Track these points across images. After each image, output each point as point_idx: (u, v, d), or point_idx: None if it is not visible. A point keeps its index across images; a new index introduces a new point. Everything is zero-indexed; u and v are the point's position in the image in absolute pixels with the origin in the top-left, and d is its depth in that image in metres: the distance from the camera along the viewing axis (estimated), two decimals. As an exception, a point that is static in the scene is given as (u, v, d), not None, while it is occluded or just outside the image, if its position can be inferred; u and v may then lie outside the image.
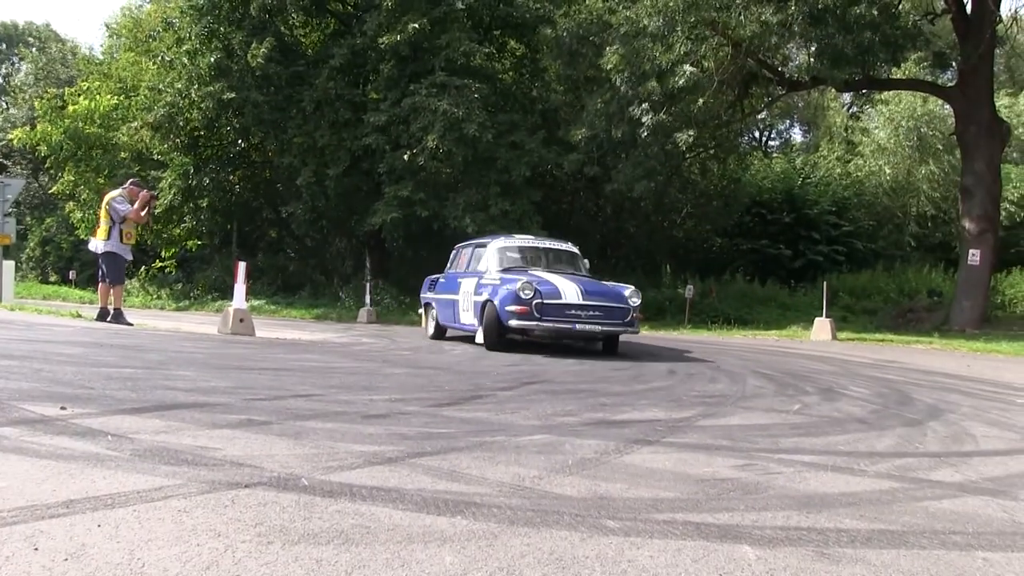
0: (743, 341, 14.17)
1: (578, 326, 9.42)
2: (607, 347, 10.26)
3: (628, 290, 9.82)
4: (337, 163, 17.33)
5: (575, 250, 10.75)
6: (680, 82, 14.96)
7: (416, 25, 16.52)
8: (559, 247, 10.83)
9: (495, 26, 19.93)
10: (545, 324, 9.30)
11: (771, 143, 33.30)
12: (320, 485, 3.53)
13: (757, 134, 31.09)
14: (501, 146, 17.09)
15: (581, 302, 9.43)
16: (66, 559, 2.65)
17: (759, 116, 24.82)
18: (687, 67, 15.11)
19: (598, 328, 9.51)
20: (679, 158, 19.20)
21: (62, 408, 4.86)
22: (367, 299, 15.50)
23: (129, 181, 10.68)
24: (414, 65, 17.43)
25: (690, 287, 17.77)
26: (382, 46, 17.08)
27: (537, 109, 19.40)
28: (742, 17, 14.62)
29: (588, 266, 11.13)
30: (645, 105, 15.56)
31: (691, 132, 15.90)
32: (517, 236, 11.15)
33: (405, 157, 16.39)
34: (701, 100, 15.52)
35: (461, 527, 3.11)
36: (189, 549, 2.80)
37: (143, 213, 10.18)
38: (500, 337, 9.54)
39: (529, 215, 17.05)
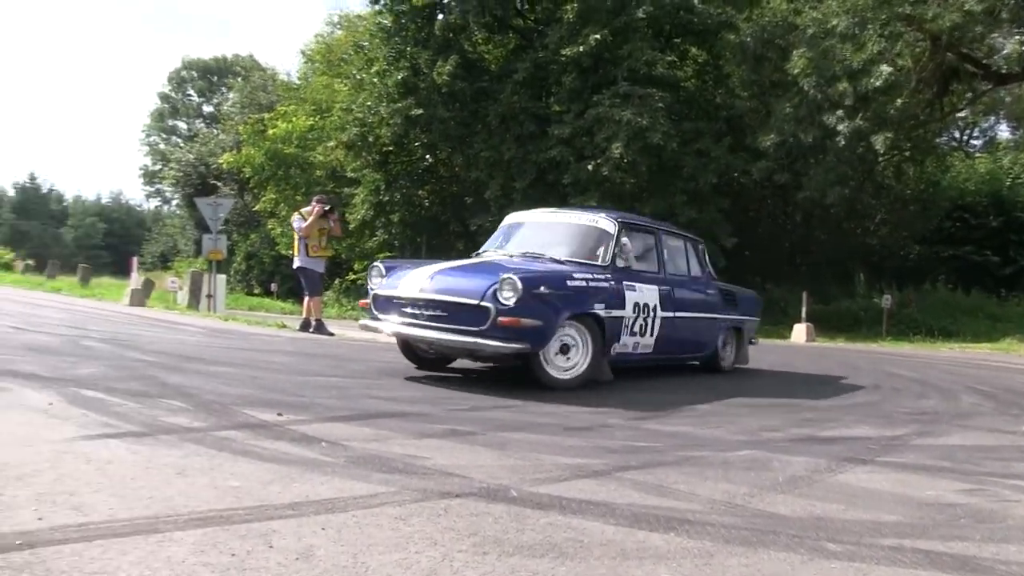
0: (950, 354, 13.24)
1: (415, 331, 6.74)
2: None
3: (499, 278, 6.32)
4: (523, 176, 17.57)
5: (604, 226, 7.54)
6: (876, 83, 14.24)
7: (597, 36, 16.53)
8: (573, 222, 7.96)
9: (676, 34, 19.63)
10: (386, 325, 6.86)
11: (973, 142, 31.05)
12: (529, 497, 3.52)
13: (957, 133, 29.09)
14: (686, 154, 16.82)
15: (416, 295, 6.70)
16: (297, 558, 2.75)
17: (960, 114, 23.23)
18: (883, 67, 14.35)
19: (435, 336, 6.61)
20: (873, 162, 18.27)
21: (279, 414, 5.11)
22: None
23: (315, 198, 11.15)
24: (596, 76, 17.41)
25: (887, 297, 16.83)
26: (564, 59, 17.18)
27: (721, 116, 18.96)
28: (940, 8, 13.75)
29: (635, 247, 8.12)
30: (840, 112, 14.89)
31: (887, 135, 15.10)
32: (539, 210, 8.67)
33: (590, 168, 16.40)
34: (899, 101, 14.72)
35: (675, 544, 3.01)
36: (408, 556, 2.86)
37: (331, 224, 10.60)
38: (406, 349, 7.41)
39: (718, 223, 16.70)
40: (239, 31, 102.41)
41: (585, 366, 6.74)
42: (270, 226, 26.78)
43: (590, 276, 6.88)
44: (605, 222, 7.52)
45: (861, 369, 9.52)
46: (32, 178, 66.42)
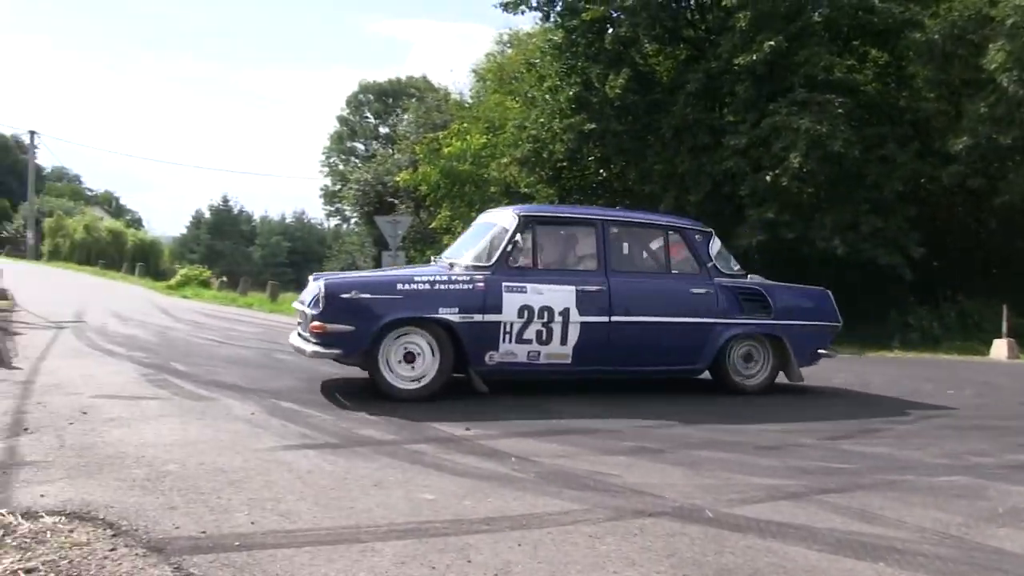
0: None
1: (293, 340, 7.09)
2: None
3: (318, 282, 6.62)
4: (698, 188, 17.37)
5: (503, 223, 7.17)
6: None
7: (772, 43, 16.14)
8: (488, 220, 7.70)
9: (854, 36, 18.86)
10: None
11: None
12: (725, 518, 3.52)
13: None
14: (869, 161, 16.17)
15: (304, 304, 6.99)
16: (495, 574, 2.88)
17: None
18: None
19: (295, 343, 6.97)
20: (1083, 162, 16.94)
21: (467, 429, 5.32)
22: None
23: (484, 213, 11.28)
24: (771, 84, 17.01)
25: (1102, 309, 15.53)
26: (737, 68, 16.88)
27: (906, 119, 18.05)
28: None
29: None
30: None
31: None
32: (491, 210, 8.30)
33: (767, 179, 16.04)
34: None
35: (887, 575, 2.93)
36: (607, 576, 2.92)
37: None
38: None
39: (904, 232, 15.95)
40: (416, 54, 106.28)
41: (433, 375, 6.56)
42: (445, 242, 27.55)
43: (439, 279, 6.64)
44: (508, 218, 7.12)
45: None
46: (225, 200, 71.03)
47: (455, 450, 4.78)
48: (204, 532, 3.11)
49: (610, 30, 19.21)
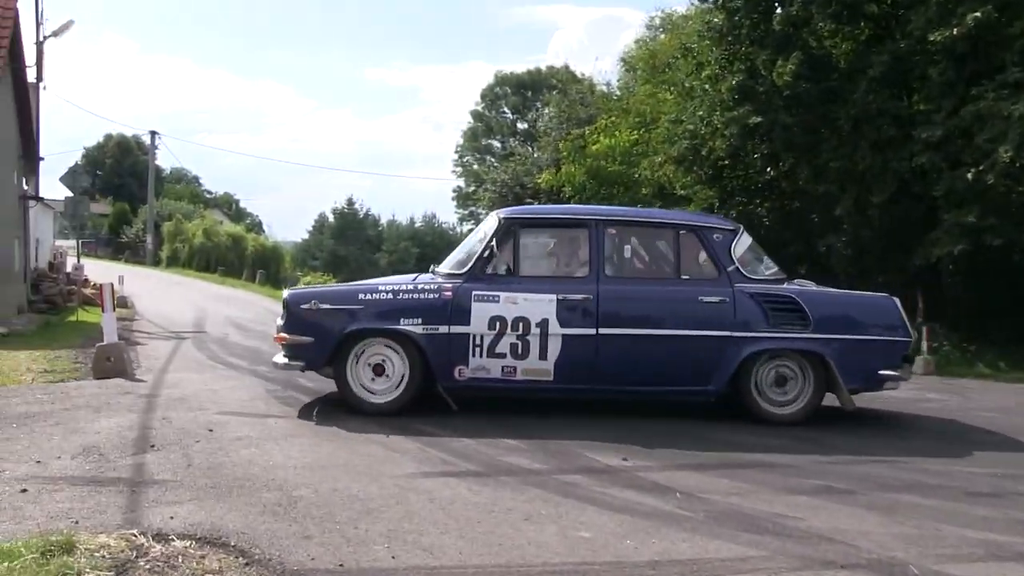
0: None
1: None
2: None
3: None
4: (882, 188, 16.66)
5: (486, 227, 7.35)
6: None
7: (977, 14, 15.22)
8: (481, 225, 7.89)
9: (1086, 0, 17.73)
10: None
11: None
12: None
13: None
14: (1102, 152, 15.05)
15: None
16: None
17: None
18: None
19: (276, 357, 7.50)
20: None
21: (624, 459, 5.31)
22: (923, 346, 14.62)
23: None
24: (975, 64, 16.09)
25: None
26: (931, 46, 16.12)
27: None
28: None
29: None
30: None
31: None
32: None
33: (969, 176, 15.14)
34: None
35: None
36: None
37: None
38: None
39: None
40: (557, 43, 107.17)
41: (401, 390, 6.82)
42: (592, 251, 27.57)
43: (403, 288, 6.89)
44: (490, 222, 7.21)
45: None
46: (350, 203, 73.41)
47: (611, 483, 4.82)
48: (342, 565, 3.23)
49: (778, 9, 18.79)
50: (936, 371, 13.83)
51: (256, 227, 68.49)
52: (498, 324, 6.78)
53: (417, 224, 75.59)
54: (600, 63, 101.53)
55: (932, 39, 15.94)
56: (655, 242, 7.53)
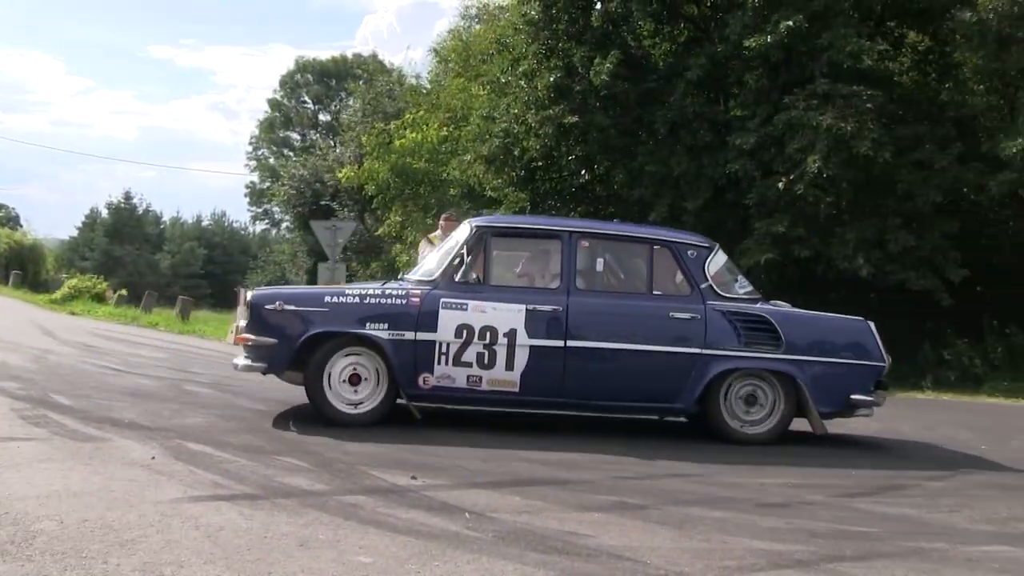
0: None
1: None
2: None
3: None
4: (696, 195, 17.51)
5: (459, 234, 7.72)
6: None
7: (790, 23, 16.33)
8: (455, 233, 8.19)
9: (889, 16, 19.23)
10: None
11: None
12: None
13: None
14: (901, 166, 16.39)
15: None
16: None
17: None
18: None
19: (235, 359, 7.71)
20: None
21: (413, 478, 5.38)
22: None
23: (443, 215, 11.32)
24: (788, 73, 17.26)
25: None
26: (747, 52, 17.07)
27: (948, 117, 18.32)
28: None
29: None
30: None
31: None
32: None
33: (780, 185, 16.24)
34: None
35: None
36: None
37: None
38: None
39: (942, 251, 16.18)
40: (366, 29, 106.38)
41: (378, 401, 7.17)
42: (394, 253, 27.61)
43: (371, 292, 7.31)
44: (463, 230, 7.63)
45: None
46: (127, 197, 70.37)
47: (398, 503, 4.82)
48: (83, 607, 3.12)
49: (597, 5, 19.46)
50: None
51: (11, 221, 64.69)
52: (464, 332, 7.03)
53: (205, 222, 73.29)
54: (411, 53, 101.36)
55: (748, 45, 16.87)
56: (629, 256, 7.83)
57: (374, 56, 54.34)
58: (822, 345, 7.50)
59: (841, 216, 16.98)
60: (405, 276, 7.75)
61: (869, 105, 15.93)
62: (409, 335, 7.02)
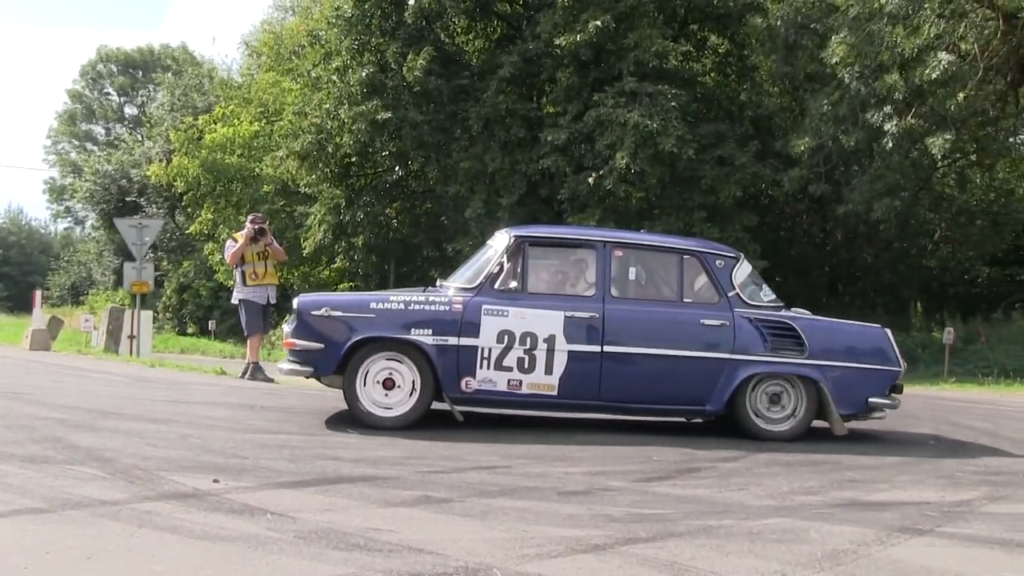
0: (1028, 400, 13.36)
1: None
2: None
3: None
4: (511, 190, 17.84)
5: (495, 243, 7.89)
6: (933, 74, 14.50)
7: (598, 23, 16.81)
8: (488, 242, 8.33)
9: (692, 19, 20.08)
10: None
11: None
12: None
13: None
14: (705, 162, 17.15)
15: None
16: None
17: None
18: (942, 54, 14.63)
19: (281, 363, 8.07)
20: (930, 168, 18.57)
21: (215, 481, 5.20)
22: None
23: (249, 216, 11.20)
24: (597, 71, 17.79)
25: (949, 330, 17.00)
26: (558, 51, 17.50)
27: (747, 116, 19.33)
28: (1017, -19, 13.99)
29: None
30: (888, 108, 15.19)
31: (947, 135, 15.30)
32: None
33: (590, 180, 16.70)
34: (962, 95, 14.97)
35: None
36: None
37: (268, 246, 10.67)
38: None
39: (743, 243, 16.90)
40: (174, 16, 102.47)
41: (411, 405, 7.32)
42: (207, 251, 26.90)
43: (415, 299, 7.48)
44: (501, 239, 7.83)
45: (918, 418, 9.35)
46: (-91, 193, 66.23)
47: (196, 507, 4.62)
48: None
49: (411, 1, 19.45)
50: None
51: None
52: (506, 338, 7.25)
53: (0, 221, 69.51)
54: (221, 45, 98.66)
55: (559, 43, 17.27)
56: (660, 265, 7.94)
57: (183, 47, 52.70)
58: (843, 351, 7.79)
59: (650, 210, 17.62)
60: (442, 283, 7.82)
61: (674, 104, 16.56)
62: (452, 340, 7.22)
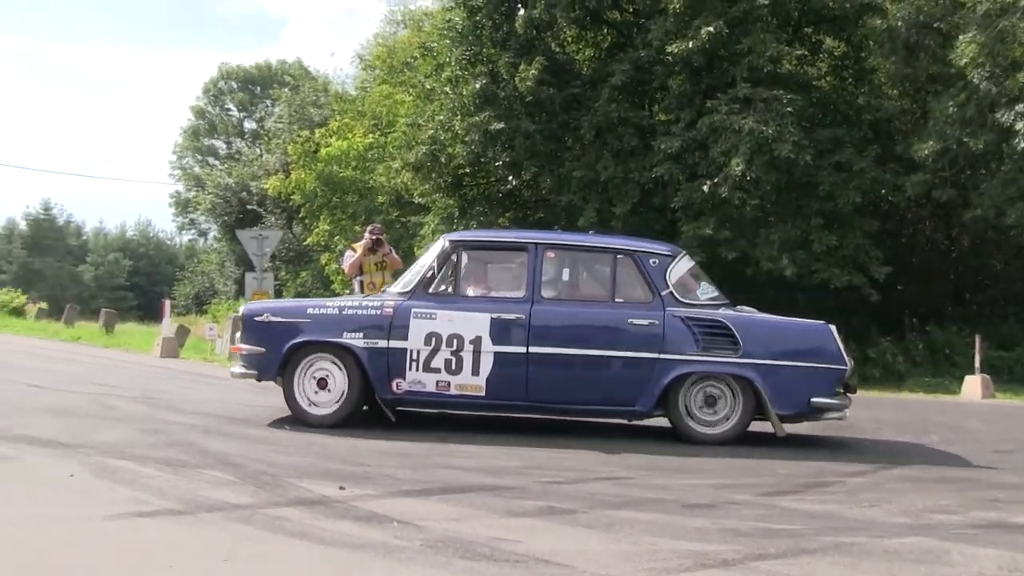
0: None
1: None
2: None
3: None
4: (624, 199, 17.67)
5: (435, 248, 8.22)
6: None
7: (711, 29, 16.55)
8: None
9: (806, 22, 19.60)
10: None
11: None
12: None
13: None
14: (822, 168, 16.76)
15: None
16: None
17: None
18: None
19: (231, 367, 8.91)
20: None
21: (341, 488, 5.29)
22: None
23: (368, 227, 11.34)
24: (710, 77, 17.52)
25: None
26: (670, 58, 17.30)
27: (865, 120, 18.76)
28: None
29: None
30: (1020, 107, 14.59)
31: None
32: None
33: (704, 188, 16.46)
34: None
35: None
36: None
37: (386, 257, 10.74)
38: None
39: (865, 250, 16.52)
40: (291, 34, 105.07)
41: (341, 403, 7.71)
42: (324, 262, 27.42)
43: (348, 304, 8.02)
44: (437, 243, 8.28)
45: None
46: (46, 208, 68.78)
47: (325, 515, 4.73)
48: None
49: (521, 11, 19.38)
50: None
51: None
52: (433, 340, 7.51)
53: (130, 233, 72.05)
54: (336, 59, 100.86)
55: (671, 50, 17.07)
56: (593, 266, 8.12)
57: (299, 63, 53.87)
58: (781, 349, 7.61)
59: (766, 218, 17.36)
60: (386, 289, 8.53)
61: (789, 109, 16.23)
62: (383, 343, 7.54)
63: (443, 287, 7.74)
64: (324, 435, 7.11)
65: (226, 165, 48.12)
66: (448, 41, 20.55)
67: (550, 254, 7.84)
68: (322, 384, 7.70)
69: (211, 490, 5.15)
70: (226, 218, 36.86)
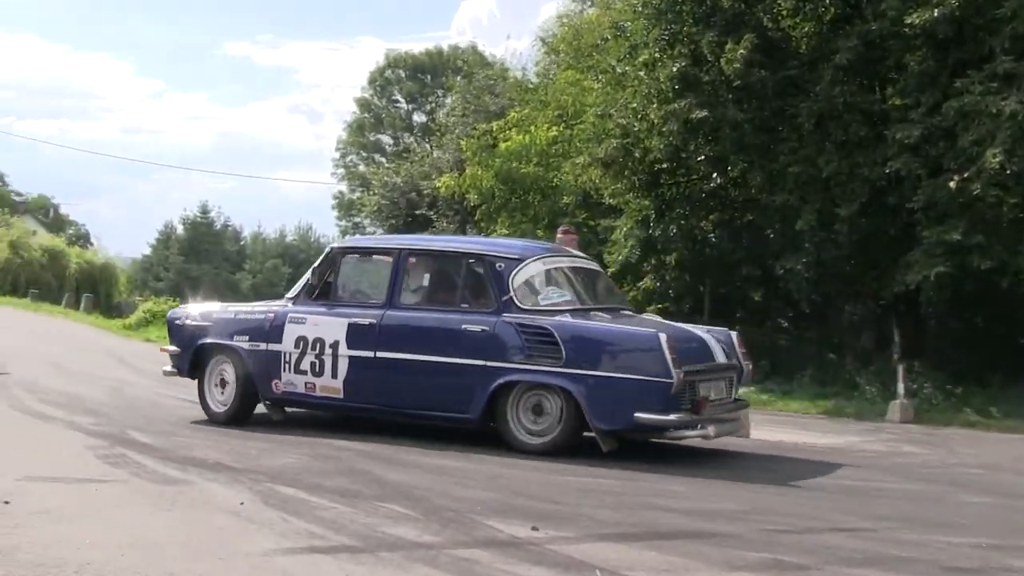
0: None
1: None
2: None
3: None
4: (850, 199, 16.97)
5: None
6: None
7: (961, -7, 15.71)
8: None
9: (1085, -22, 18.42)
10: None
11: None
12: None
13: None
14: (1105, 159, 15.60)
15: None
16: None
17: None
18: None
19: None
20: None
21: (534, 529, 5.26)
22: (899, 388, 14.91)
23: (560, 228, 11.45)
24: (959, 51, 16.60)
25: None
26: (908, 30, 16.51)
27: None
28: None
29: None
30: None
31: None
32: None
33: (951, 185, 15.58)
34: None
35: None
36: None
37: None
38: None
39: None
40: (463, 16, 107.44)
41: (232, 402, 9.51)
42: (502, 268, 27.53)
43: (242, 310, 9.88)
44: (325, 251, 9.91)
45: None
46: (204, 211, 72.37)
47: (518, 558, 4.79)
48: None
49: (728, -17, 19.01)
50: (915, 418, 14.13)
51: (82, 239, 66.92)
52: (301, 343, 8.96)
53: (289, 238, 75.07)
54: (514, 43, 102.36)
55: (909, 21, 16.27)
56: (448, 270, 9.22)
57: (473, 48, 54.51)
58: (601, 359, 7.99)
59: (1030, 219, 16.19)
60: (286, 295, 9.99)
61: (1063, 86, 15.16)
62: (263, 346, 9.13)
63: (324, 293, 9.21)
64: (512, 468, 7.33)
65: (394, 163, 49.19)
66: (643, 19, 20.23)
67: (412, 260, 9.13)
68: (222, 384, 9.44)
69: (390, 525, 5.37)
70: (394, 221, 37.59)
